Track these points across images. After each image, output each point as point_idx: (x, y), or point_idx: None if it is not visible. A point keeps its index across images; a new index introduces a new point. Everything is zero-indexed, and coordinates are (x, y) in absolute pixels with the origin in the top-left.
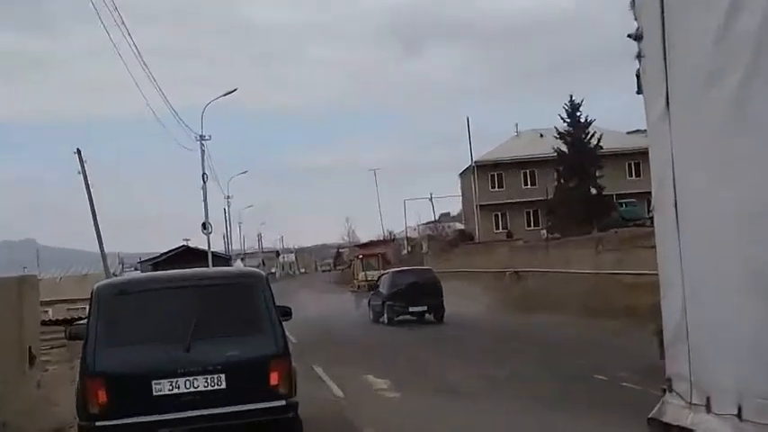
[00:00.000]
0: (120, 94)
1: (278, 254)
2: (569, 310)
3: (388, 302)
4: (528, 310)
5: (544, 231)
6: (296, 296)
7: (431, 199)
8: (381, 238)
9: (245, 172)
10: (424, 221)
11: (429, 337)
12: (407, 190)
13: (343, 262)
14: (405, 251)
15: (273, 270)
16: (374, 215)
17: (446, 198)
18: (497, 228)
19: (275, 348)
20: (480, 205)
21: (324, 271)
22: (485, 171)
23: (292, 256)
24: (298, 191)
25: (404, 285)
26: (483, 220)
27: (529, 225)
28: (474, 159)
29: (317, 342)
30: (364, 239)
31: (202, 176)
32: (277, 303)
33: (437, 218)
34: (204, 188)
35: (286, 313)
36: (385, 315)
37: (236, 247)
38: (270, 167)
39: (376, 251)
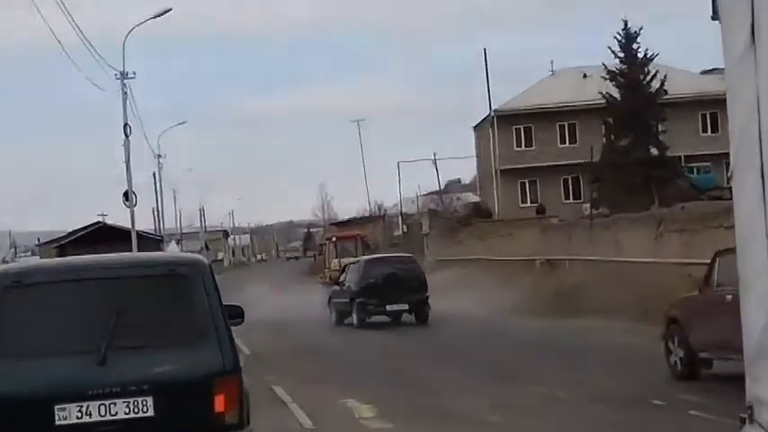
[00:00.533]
0: (7, 12)
1: (227, 234)
2: (619, 312)
3: (358, 300)
4: (564, 311)
5: (587, 206)
6: (250, 292)
7: (434, 161)
8: (367, 214)
9: (182, 123)
10: (426, 192)
11: (422, 346)
12: (403, 149)
13: (315, 246)
14: (399, 231)
15: (221, 256)
16: (358, 183)
17: (455, 160)
18: (524, 201)
19: (221, 362)
20: (501, 170)
21: (290, 258)
22: (508, 124)
23: (247, 238)
24: (254, 149)
25: (378, 278)
26: (505, 190)
27: (566, 197)
28: (493, 108)
29: (278, 353)
30: (344, 216)
31: (124, 129)
32: (225, 301)
33: (443, 187)
34: (126, 145)
35: (236, 315)
36: (354, 315)
37: (169, 224)
38: (216, 117)
39: (354, 233)
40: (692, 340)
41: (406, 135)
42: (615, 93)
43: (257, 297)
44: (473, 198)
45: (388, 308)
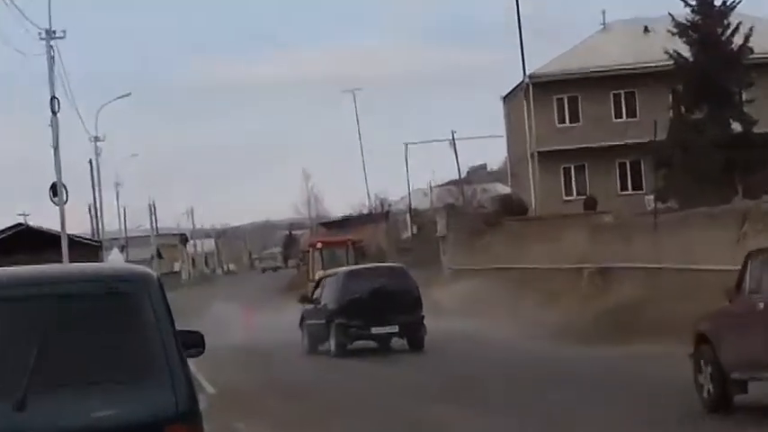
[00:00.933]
0: None
1: (185, 239)
2: (689, 334)
3: (337, 321)
4: (619, 335)
5: (650, 199)
6: (214, 313)
7: (452, 143)
8: (366, 212)
9: (125, 95)
10: (442, 182)
11: (422, 378)
12: (412, 127)
13: (298, 253)
14: (407, 233)
15: (177, 267)
16: (354, 171)
17: (479, 141)
18: (568, 192)
19: (174, 404)
20: (539, 153)
21: (267, 269)
22: (547, 93)
23: (211, 244)
24: (221, 130)
25: (362, 294)
26: (544, 178)
27: (624, 188)
28: (528, 73)
29: (249, 391)
30: (336, 213)
31: (51, 104)
32: (180, 326)
33: (464, 175)
34: (54, 125)
35: (194, 343)
36: (331, 341)
37: (111, 226)
38: (171, 89)
39: (345, 238)
40: (722, 359)
41: (416, 109)
42: (685, 51)
43: (223, 320)
44: (502, 189)
45: (374, 330)
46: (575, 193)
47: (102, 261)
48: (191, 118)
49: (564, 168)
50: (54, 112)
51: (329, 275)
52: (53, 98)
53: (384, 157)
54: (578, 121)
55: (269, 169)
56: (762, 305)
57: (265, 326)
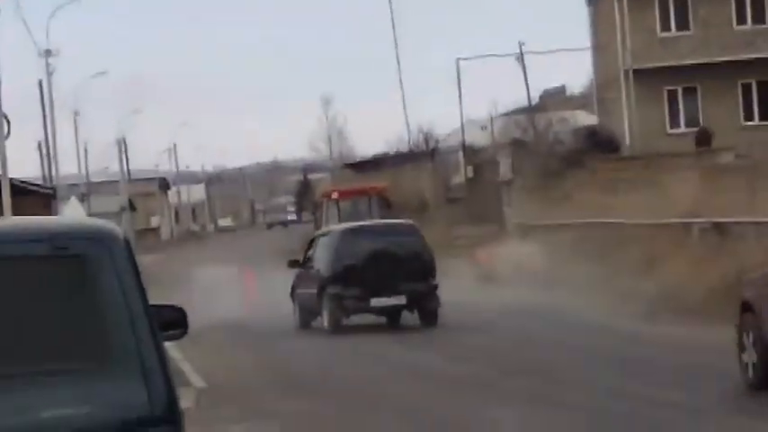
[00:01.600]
0: None
1: (167, 185)
2: None
3: (329, 290)
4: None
5: None
6: (202, 283)
7: (520, 57)
8: (406, 150)
9: None
10: (506, 111)
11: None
12: (465, 39)
13: (316, 203)
14: (460, 178)
15: (156, 222)
16: (389, 96)
17: (556, 56)
18: (675, 123)
19: (147, 404)
20: (636, 71)
21: (273, 224)
22: None
23: (201, 191)
24: (211, 39)
25: (360, 257)
26: (642, 105)
27: (749, 117)
28: None
29: (250, 385)
30: (366, 151)
31: None
32: (156, 299)
33: (535, 101)
34: None
35: (173, 323)
36: (325, 314)
37: (68, 169)
38: None
39: (368, 186)
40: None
41: (471, 15)
42: None
43: (216, 288)
44: (586, 120)
45: (375, 302)
46: (683, 123)
47: (56, 212)
48: (174, 25)
49: (668, 91)
50: None
51: (323, 234)
52: None
53: (430, 77)
54: (688, 29)
55: (277, 94)
56: None
57: (270, 296)
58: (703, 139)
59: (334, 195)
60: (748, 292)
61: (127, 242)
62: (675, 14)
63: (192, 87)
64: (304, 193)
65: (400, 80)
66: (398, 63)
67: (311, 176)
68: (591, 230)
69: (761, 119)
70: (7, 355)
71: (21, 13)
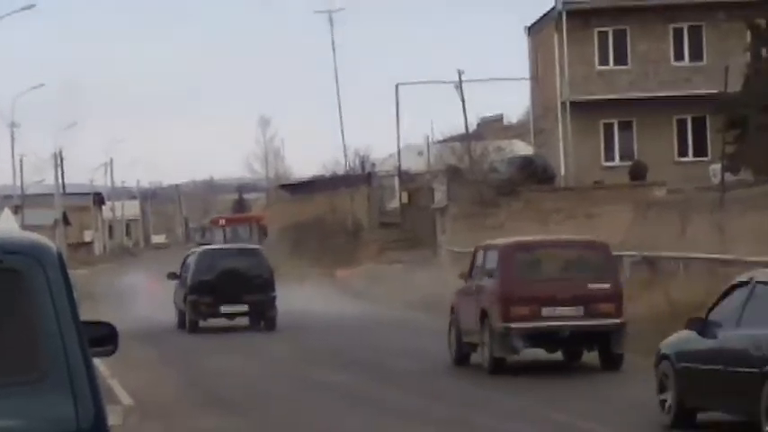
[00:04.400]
0: None
1: (101, 200)
2: None
3: (189, 298)
4: None
5: (716, 168)
6: (135, 298)
7: (459, 85)
8: (342, 172)
9: (28, 7)
10: (443, 137)
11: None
12: (404, 63)
13: (204, 227)
14: (395, 203)
15: (90, 237)
16: (326, 118)
17: (495, 84)
18: (610, 156)
19: (74, 421)
20: (573, 102)
21: (203, 243)
22: (586, 24)
23: (136, 207)
24: (153, 54)
25: (214, 273)
26: (579, 136)
27: (682, 153)
28: None
29: (179, 397)
30: (302, 173)
31: None
32: (86, 315)
33: (472, 128)
34: None
35: (104, 338)
36: (186, 316)
37: (2, 180)
38: None
39: (250, 215)
40: None
41: (411, 40)
42: None
43: (128, 298)
44: (523, 149)
45: (224, 309)
46: (617, 157)
47: None
48: (113, 38)
49: (604, 124)
50: None
51: (191, 253)
52: None
53: (367, 101)
54: (626, 63)
55: (215, 111)
56: None
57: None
58: (637, 172)
59: (221, 222)
60: (453, 300)
61: (60, 257)
62: (614, 48)
63: (130, 102)
64: (239, 210)
65: (338, 103)
66: (337, 86)
67: (247, 196)
68: None
69: (695, 155)
70: None
71: None
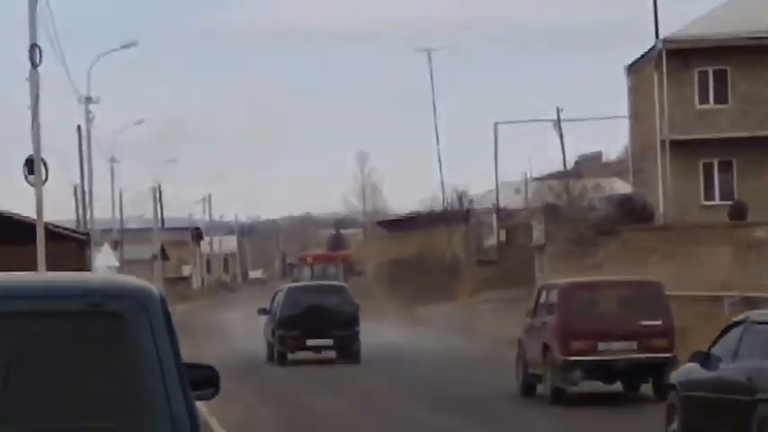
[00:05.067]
0: None
1: (200, 235)
2: None
3: (278, 332)
4: None
5: None
6: (214, 329)
7: (557, 123)
8: (439, 209)
9: (131, 45)
10: (541, 175)
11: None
12: (502, 102)
13: (292, 264)
14: (492, 240)
15: (188, 272)
16: (424, 156)
17: (593, 124)
18: (710, 196)
19: None
20: (672, 141)
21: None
22: (686, 63)
23: (233, 242)
24: (252, 93)
25: (300, 308)
26: (677, 175)
27: None
28: (662, 36)
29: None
30: (400, 209)
31: (31, 52)
32: (184, 353)
33: (571, 166)
34: (34, 79)
35: (206, 382)
36: (275, 349)
37: (102, 214)
38: (184, 35)
39: (336, 253)
40: None
41: (510, 79)
42: None
43: (224, 333)
44: (621, 188)
45: (310, 342)
46: (717, 196)
47: (89, 258)
48: (211, 76)
49: (704, 164)
50: (34, 65)
51: (279, 290)
52: (34, 46)
53: (466, 139)
54: (726, 102)
55: (313, 148)
56: None
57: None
58: (737, 212)
59: (309, 260)
60: (521, 335)
61: (163, 302)
62: (714, 87)
63: (229, 138)
64: (337, 248)
65: (437, 139)
66: (435, 122)
67: (344, 231)
68: None
69: None
70: (36, 408)
71: (62, 58)
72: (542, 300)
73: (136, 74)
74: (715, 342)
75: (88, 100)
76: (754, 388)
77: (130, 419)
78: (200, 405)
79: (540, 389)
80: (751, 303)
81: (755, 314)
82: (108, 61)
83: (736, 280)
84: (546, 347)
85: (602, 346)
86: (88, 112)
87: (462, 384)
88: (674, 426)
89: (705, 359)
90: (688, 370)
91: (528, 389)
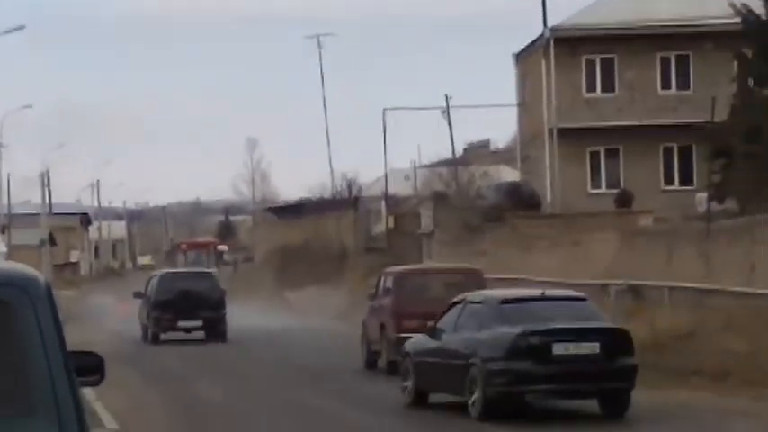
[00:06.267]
0: None
1: (88, 220)
2: (751, 381)
3: (152, 314)
4: (655, 375)
5: (702, 197)
6: (111, 317)
7: (446, 111)
8: (329, 195)
9: (18, 29)
10: (430, 162)
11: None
12: (392, 88)
13: (167, 251)
14: (380, 227)
15: (76, 257)
16: (313, 143)
17: (482, 111)
18: (596, 184)
19: None
20: (560, 130)
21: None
22: (574, 51)
23: (122, 228)
24: (141, 78)
25: (173, 292)
26: (564, 163)
27: (669, 181)
28: (550, 24)
29: (165, 427)
30: (289, 195)
31: None
32: (69, 338)
33: (459, 154)
34: None
35: (91, 368)
36: (149, 330)
37: None
38: (76, 19)
39: (209, 241)
40: None
41: (400, 66)
42: (758, 7)
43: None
44: (509, 176)
45: (181, 323)
46: (604, 184)
47: None
48: (102, 61)
49: (591, 152)
50: None
51: (153, 275)
52: None
53: (355, 126)
54: (613, 91)
55: (202, 134)
56: None
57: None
58: (623, 200)
59: (183, 247)
60: (365, 316)
61: (48, 289)
62: (602, 76)
63: (117, 124)
64: (225, 235)
65: (326, 127)
66: (325, 109)
67: (233, 218)
68: (507, 286)
69: (681, 183)
70: None
71: None
72: (381, 285)
73: (24, 58)
74: (440, 317)
75: None
76: (468, 354)
77: (14, 410)
78: (86, 391)
79: (380, 362)
80: (636, 290)
81: (471, 295)
82: None
83: (622, 267)
84: (383, 326)
85: (430, 324)
86: None
87: (318, 360)
88: (408, 384)
89: (432, 331)
90: (419, 340)
91: (371, 363)
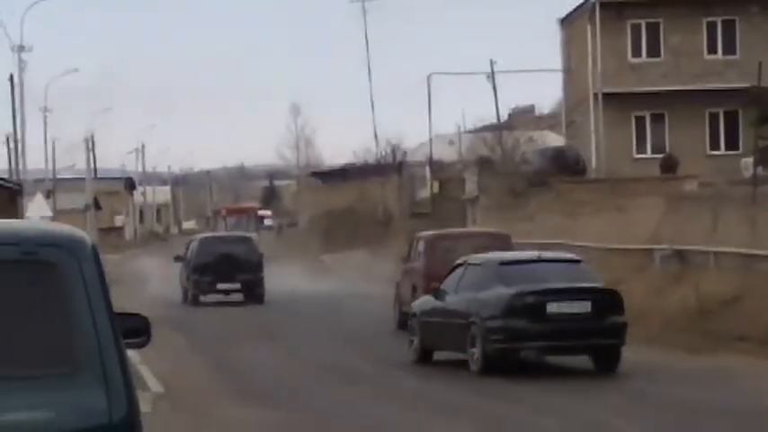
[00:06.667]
0: None
1: (132, 185)
2: None
3: (191, 277)
4: (702, 340)
5: (748, 162)
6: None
7: (491, 76)
8: (373, 161)
9: None
10: (474, 127)
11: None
12: (437, 53)
13: (208, 217)
14: (425, 192)
15: (121, 221)
16: (358, 108)
17: (526, 76)
18: (641, 149)
19: (107, 411)
20: (605, 95)
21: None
22: (619, 16)
23: (166, 193)
24: (182, 42)
25: (212, 256)
26: (610, 128)
27: (714, 146)
28: None
29: (208, 389)
30: (334, 160)
31: None
32: (115, 302)
33: (504, 119)
34: None
35: (137, 331)
36: (189, 292)
37: (35, 164)
38: None
39: (250, 206)
40: None
41: (444, 31)
42: None
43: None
44: (554, 141)
45: (220, 286)
46: (649, 149)
47: (21, 208)
48: (147, 26)
49: (636, 117)
50: None
51: (193, 239)
52: None
53: (399, 91)
54: (658, 56)
55: (247, 99)
56: None
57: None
58: (669, 165)
59: (223, 212)
60: (398, 278)
61: (95, 250)
62: (647, 41)
63: (163, 88)
64: (270, 200)
65: (370, 92)
66: (369, 74)
67: (277, 183)
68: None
69: (726, 148)
70: None
71: None
72: (414, 248)
73: (70, 23)
74: (445, 278)
75: (21, 48)
76: (469, 313)
77: (63, 373)
78: (130, 354)
79: None
80: (681, 255)
81: (472, 258)
82: (41, 9)
83: (666, 232)
84: (414, 288)
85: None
86: (21, 60)
87: (352, 321)
88: (415, 342)
89: (437, 292)
90: (424, 301)
91: (403, 323)
